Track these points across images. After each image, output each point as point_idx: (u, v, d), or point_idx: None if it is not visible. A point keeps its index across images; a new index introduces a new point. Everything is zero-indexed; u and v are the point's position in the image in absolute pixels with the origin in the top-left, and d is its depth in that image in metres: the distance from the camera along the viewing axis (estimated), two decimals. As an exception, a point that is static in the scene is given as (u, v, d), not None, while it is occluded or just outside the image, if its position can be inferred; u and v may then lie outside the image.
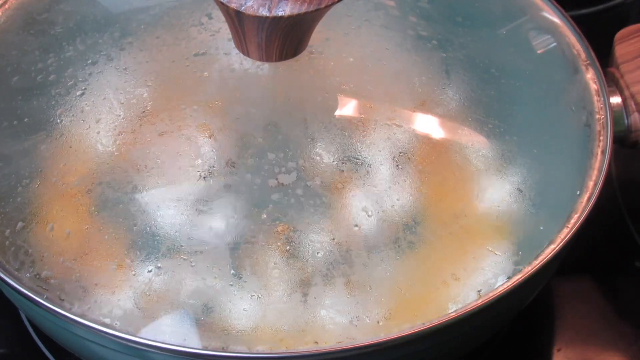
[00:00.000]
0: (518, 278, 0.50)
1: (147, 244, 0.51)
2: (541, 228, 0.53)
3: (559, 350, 0.62)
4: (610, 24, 0.66)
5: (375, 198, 0.52)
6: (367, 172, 0.53)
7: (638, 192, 0.70)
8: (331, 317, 0.49)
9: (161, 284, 0.50)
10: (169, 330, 0.49)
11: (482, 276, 0.51)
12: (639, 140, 0.59)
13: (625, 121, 0.59)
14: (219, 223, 0.51)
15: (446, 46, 0.58)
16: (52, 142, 0.54)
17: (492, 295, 0.49)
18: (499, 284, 0.50)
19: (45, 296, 0.50)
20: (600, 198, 0.53)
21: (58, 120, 0.55)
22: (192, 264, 0.50)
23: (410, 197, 0.52)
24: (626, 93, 0.59)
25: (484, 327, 0.55)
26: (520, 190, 0.54)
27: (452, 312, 0.49)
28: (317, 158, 0.53)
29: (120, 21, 0.59)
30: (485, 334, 0.57)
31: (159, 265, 0.50)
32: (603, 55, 0.61)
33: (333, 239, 0.51)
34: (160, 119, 0.54)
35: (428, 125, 0.55)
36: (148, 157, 0.53)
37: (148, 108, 0.54)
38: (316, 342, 0.48)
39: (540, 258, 0.51)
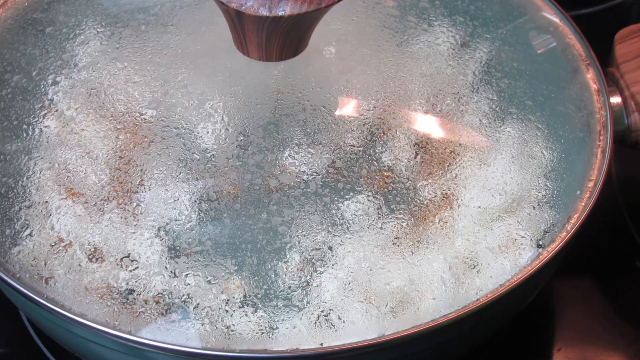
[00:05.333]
0: (518, 278, 0.50)
1: (148, 244, 0.51)
2: (541, 228, 0.53)
3: (559, 350, 0.62)
4: (610, 24, 0.66)
5: (376, 198, 0.52)
6: (368, 172, 0.53)
7: (638, 192, 0.70)
8: (331, 318, 0.49)
9: (161, 284, 0.50)
10: (169, 330, 0.49)
11: (481, 275, 0.51)
12: (639, 140, 0.59)
13: (625, 121, 0.59)
14: (219, 223, 0.51)
15: (446, 46, 0.58)
16: (52, 142, 0.54)
17: (492, 295, 0.49)
18: (498, 284, 0.50)
19: (45, 296, 0.50)
20: (600, 198, 0.53)
21: (58, 120, 0.55)
22: (193, 264, 0.50)
23: (411, 197, 0.52)
24: (626, 93, 0.59)
25: (484, 327, 0.55)
26: (521, 191, 0.54)
27: (452, 312, 0.49)
28: (318, 158, 0.53)
29: (120, 21, 0.59)
30: (485, 334, 0.57)
31: (159, 265, 0.50)
32: (603, 55, 0.61)
33: (334, 239, 0.51)
34: (160, 118, 0.54)
35: (428, 124, 0.55)
36: (148, 157, 0.53)
37: (148, 108, 0.55)
38: (320, 344, 0.48)
39: (541, 258, 0.51)
